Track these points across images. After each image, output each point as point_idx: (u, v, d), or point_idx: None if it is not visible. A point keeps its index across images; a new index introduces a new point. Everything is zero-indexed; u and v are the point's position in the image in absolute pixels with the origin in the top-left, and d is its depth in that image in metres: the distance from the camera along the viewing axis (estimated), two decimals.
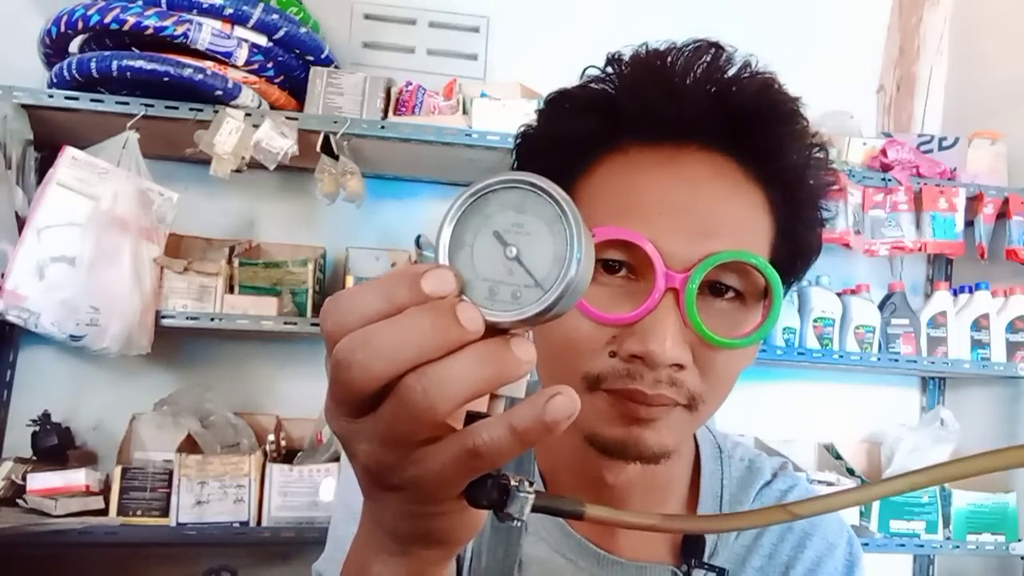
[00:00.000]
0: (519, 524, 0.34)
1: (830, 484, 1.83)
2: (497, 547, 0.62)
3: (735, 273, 0.53)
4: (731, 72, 0.53)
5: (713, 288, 0.53)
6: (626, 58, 0.56)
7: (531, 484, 0.33)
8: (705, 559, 0.62)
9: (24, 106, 1.53)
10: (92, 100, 1.53)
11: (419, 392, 0.29)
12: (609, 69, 0.56)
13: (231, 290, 1.64)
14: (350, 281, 1.73)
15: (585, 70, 0.58)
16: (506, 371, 0.29)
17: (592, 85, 0.57)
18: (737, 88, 0.53)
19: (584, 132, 0.56)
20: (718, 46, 0.54)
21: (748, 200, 0.54)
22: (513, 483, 0.33)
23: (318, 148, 1.61)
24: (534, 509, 0.33)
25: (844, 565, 0.66)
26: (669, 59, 0.54)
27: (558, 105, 0.59)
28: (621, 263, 0.53)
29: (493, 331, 0.30)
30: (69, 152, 1.49)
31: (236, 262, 1.68)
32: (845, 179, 1.83)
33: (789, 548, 0.66)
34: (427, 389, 0.29)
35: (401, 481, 0.32)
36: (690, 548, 0.63)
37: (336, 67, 1.72)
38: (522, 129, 0.61)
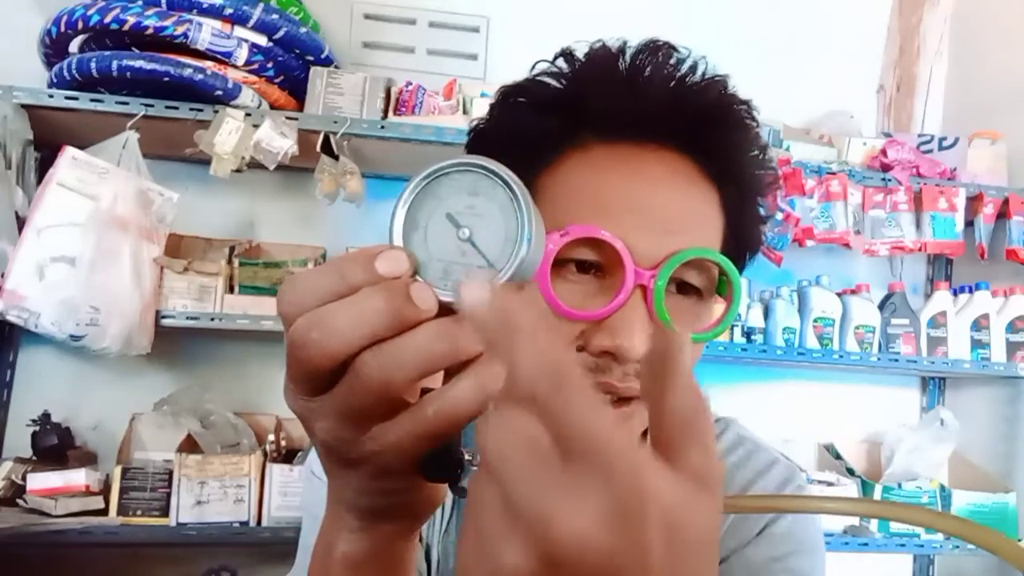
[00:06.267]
0: None
1: (830, 484, 1.83)
2: None
3: (696, 270, 0.54)
4: (683, 71, 0.55)
5: (675, 284, 0.54)
6: (579, 54, 0.56)
7: None
8: None
9: (24, 106, 1.53)
10: (92, 100, 1.53)
11: (375, 369, 0.30)
12: (562, 63, 0.57)
13: (231, 290, 1.64)
14: None
15: (535, 64, 0.58)
16: (459, 348, 0.30)
17: (546, 80, 0.57)
18: (698, 90, 0.55)
19: (545, 129, 0.56)
20: (670, 46, 0.55)
21: (704, 198, 0.56)
22: (467, 457, 0.34)
23: (318, 148, 1.61)
24: None
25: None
26: (626, 58, 0.55)
27: (514, 101, 0.58)
28: (590, 262, 0.53)
29: (447, 310, 0.30)
30: (69, 152, 1.49)
31: (236, 262, 1.68)
32: (845, 179, 1.83)
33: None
34: (383, 366, 0.29)
35: (359, 456, 0.33)
36: None
37: (336, 67, 1.72)
38: (475, 124, 0.61)
